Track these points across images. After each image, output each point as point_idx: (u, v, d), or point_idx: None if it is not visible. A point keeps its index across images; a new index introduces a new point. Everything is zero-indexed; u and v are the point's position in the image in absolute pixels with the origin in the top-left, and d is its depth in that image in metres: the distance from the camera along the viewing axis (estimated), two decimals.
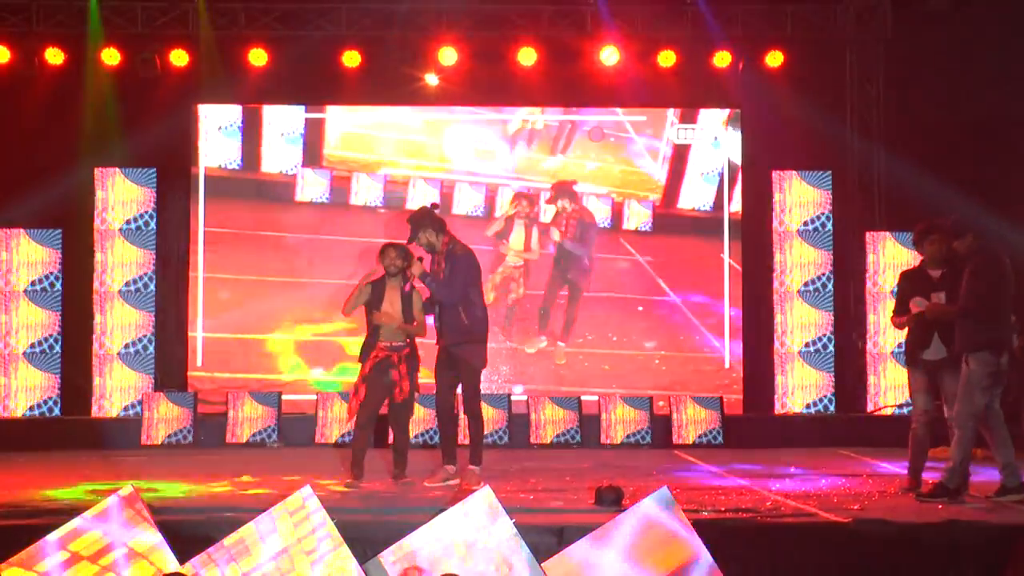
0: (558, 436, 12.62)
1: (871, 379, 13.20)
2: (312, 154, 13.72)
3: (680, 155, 13.93)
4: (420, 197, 13.41)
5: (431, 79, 13.79)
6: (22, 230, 13.02)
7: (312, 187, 13.68)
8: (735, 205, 13.86)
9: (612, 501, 7.60)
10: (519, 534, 6.00)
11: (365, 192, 13.73)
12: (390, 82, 13.75)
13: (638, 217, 13.90)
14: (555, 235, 13.73)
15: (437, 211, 9.12)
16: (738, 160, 13.83)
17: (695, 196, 13.90)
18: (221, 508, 7.45)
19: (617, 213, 13.91)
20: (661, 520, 6.06)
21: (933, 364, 8.50)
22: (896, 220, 13.38)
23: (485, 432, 11.45)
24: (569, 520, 6.93)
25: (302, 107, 13.76)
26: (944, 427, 8.47)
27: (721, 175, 13.86)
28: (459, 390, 9.08)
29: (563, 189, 13.76)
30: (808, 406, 13.21)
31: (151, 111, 13.42)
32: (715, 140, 13.88)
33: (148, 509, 6.12)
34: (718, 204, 13.88)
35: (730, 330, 13.69)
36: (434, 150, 13.82)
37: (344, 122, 13.79)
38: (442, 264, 8.97)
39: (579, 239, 13.77)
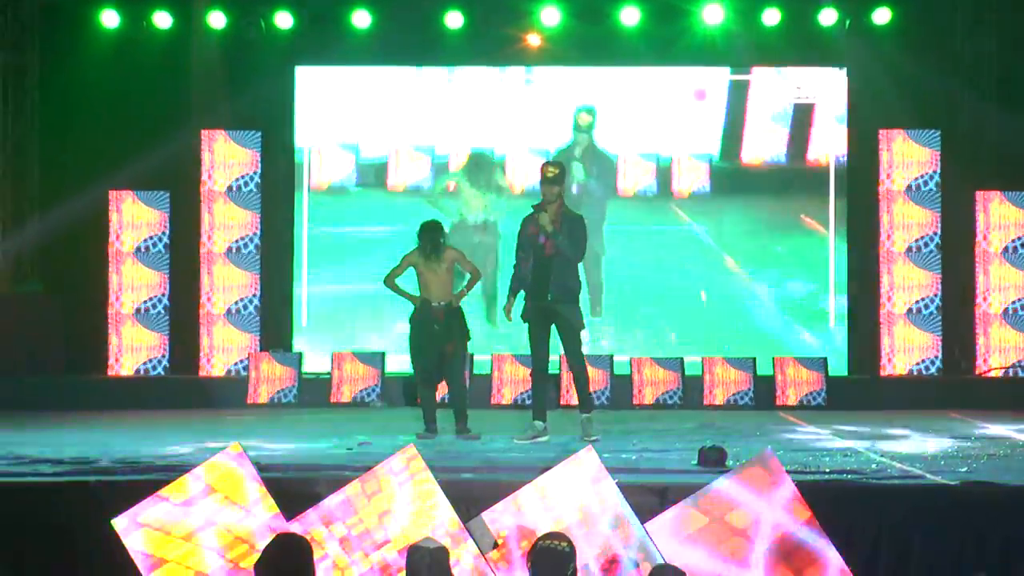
0: (660, 397, 12.58)
1: (980, 340, 12.98)
2: None
3: (740, 98, 13.70)
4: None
5: (533, 39, 13.74)
6: (130, 192, 13.25)
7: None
8: (816, 150, 13.61)
9: (715, 461, 7.57)
10: (622, 494, 6.00)
11: None
12: (492, 43, 13.73)
13: (693, 176, 13.68)
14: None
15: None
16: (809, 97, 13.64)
17: (763, 145, 13.64)
18: (325, 467, 7.54)
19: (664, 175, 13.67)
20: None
21: None
22: (1008, 179, 13.09)
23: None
24: (672, 480, 6.91)
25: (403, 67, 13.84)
26: None
27: (795, 116, 13.62)
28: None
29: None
30: (914, 368, 13.02)
31: (256, 73, 13.56)
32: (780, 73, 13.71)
33: (255, 466, 6.21)
34: (793, 153, 13.62)
35: (834, 290, 13.53)
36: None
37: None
38: (557, 220, 9.10)
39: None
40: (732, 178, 13.76)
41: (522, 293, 9.20)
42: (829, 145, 13.67)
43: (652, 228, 13.72)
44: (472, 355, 12.20)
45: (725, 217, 13.78)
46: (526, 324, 9.26)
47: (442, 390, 9.98)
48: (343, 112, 13.79)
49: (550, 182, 9.15)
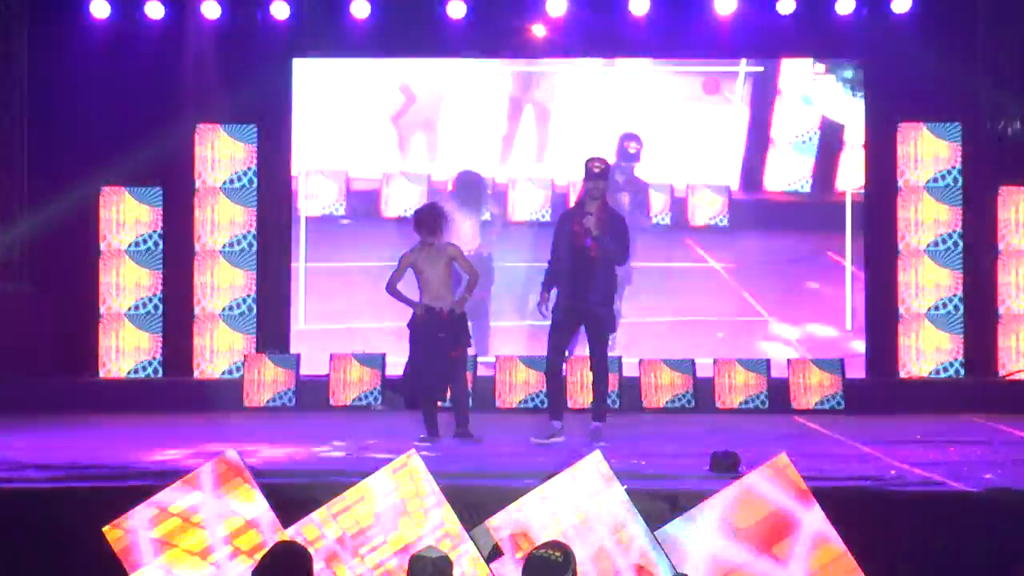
0: (671, 400, 12.58)
1: (1002, 342, 12.95)
2: None
3: (760, 119, 13.54)
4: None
5: (539, 30, 13.72)
6: (123, 188, 13.26)
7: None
8: (845, 180, 13.44)
9: (728, 467, 7.56)
10: (630, 500, 5.99)
11: None
12: (495, 34, 13.71)
13: (709, 208, 13.56)
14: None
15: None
16: (837, 118, 13.48)
17: (786, 172, 13.53)
18: (324, 472, 7.55)
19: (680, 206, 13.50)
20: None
21: None
22: None
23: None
24: (683, 487, 6.91)
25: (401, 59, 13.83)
26: None
27: (822, 141, 13.52)
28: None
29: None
30: (936, 370, 12.99)
31: (252, 65, 13.54)
32: (805, 96, 13.56)
33: (252, 472, 6.21)
34: (821, 180, 13.48)
35: (852, 289, 13.49)
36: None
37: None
38: (600, 220, 9.21)
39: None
40: (752, 209, 13.62)
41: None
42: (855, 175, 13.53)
43: (665, 262, 13.52)
44: (475, 357, 12.24)
45: (743, 251, 13.60)
46: (551, 319, 9.43)
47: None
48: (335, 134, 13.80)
49: (596, 177, 9.26)
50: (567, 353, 9.59)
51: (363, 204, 13.78)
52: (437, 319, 9.46)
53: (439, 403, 9.78)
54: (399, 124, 13.76)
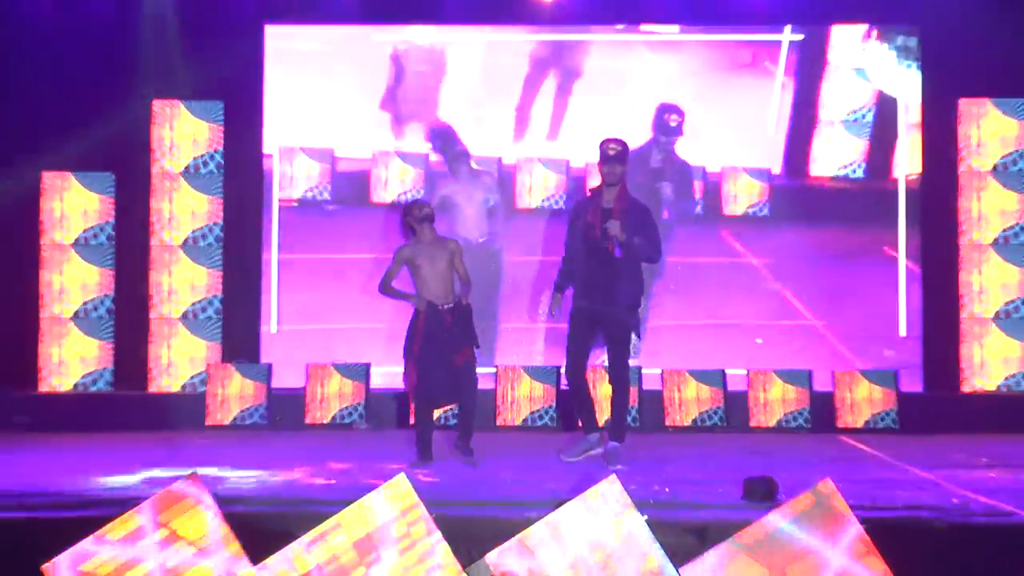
0: (699, 417, 12.56)
1: None
2: None
3: (806, 94, 13.55)
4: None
5: None
6: (71, 174, 13.25)
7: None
8: (903, 165, 13.43)
9: (764, 495, 7.54)
10: (652, 533, 5.97)
11: None
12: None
13: (747, 195, 13.57)
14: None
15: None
16: (895, 93, 13.47)
17: (835, 155, 13.52)
18: (300, 500, 7.55)
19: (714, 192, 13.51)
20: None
21: None
22: None
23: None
24: (712, 517, 6.89)
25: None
26: None
27: (877, 120, 13.53)
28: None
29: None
30: (1004, 383, 12.97)
31: (218, 33, 13.52)
32: (858, 68, 13.55)
33: (215, 500, 6.19)
34: (876, 165, 13.46)
35: (907, 290, 13.47)
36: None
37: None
38: (617, 210, 9.27)
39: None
40: (796, 196, 13.58)
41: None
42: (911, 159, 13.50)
43: (695, 256, 13.50)
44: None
45: (785, 244, 13.58)
46: (569, 324, 9.54)
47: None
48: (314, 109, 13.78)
49: (612, 160, 9.31)
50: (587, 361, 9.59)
51: (351, 188, 13.75)
52: (441, 316, 9.47)
53: (435, 420, 9.81)
54: (394, 98, 13.72)
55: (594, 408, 9.70)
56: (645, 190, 12.46)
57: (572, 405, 9.99)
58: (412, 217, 9.73)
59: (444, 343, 9.50)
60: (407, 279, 9.82)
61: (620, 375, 9.51)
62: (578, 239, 9.42)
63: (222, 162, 13.29)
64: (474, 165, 13.52)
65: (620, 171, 9.34)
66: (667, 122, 13.46)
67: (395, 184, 13.57)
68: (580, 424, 9.86)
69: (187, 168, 13.25)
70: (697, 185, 13.47)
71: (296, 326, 13.61)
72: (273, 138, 13.69)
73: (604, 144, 9.37)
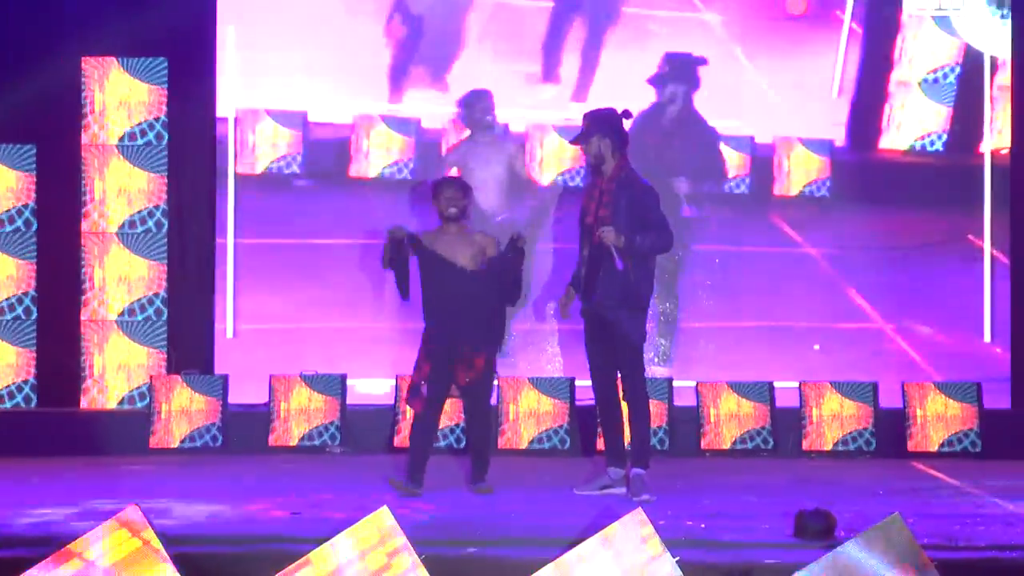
0: (741, 439, 12.59)
1: None
2: None
3: (877, 48, 13.48)
4: None
5: None
6: None
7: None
8: (992, 137, 13.34)
9: (819, 532, 7.57)
10: None
11: None
12: None
13: (804, 171, 13.54)
14: None
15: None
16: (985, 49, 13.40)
17: (911, 124, 13.49)
18: (262, 538, 7.57)
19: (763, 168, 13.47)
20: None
21: None
22: None
23: None
24: (757, 558, 6.92)
25: None
26: None
27: (962, 81, 13.42)
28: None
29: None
30: None
31: None
32: (941, 18, 13.47)
33: (160, 539, 6.22)
34: (960, 138, 13.41)
35: (993, 287, 13.47)
36: None
37: None
38: (607, 193, 9.39)
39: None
40: (863, 173, 13.56)
41: None
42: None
43: (739, 246, 13.49)
44: None
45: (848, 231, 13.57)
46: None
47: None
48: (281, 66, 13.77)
49: (578, 140, 9.54)
50: (614, 372, 9.65)
51: (327, 159, 13.73)
52: None
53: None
54: (398, 48, 13.71)
55: (621, 435, 9.73)
56: (656, 164, 12.63)
57: (600, 425, 10.11)
58: (439, 204, 9.77)
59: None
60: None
61: (634, 390, 9.59)
62: (581, 227, 9.58)
63: (164, 132, 13.29)
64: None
65: (595, 150, 9.47)
66: (674, 73, 13.41)
67: (379, 155, 13.58)
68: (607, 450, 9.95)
69: (123, 139, 13.26)
70: (731, 159, 13.45)
71: (257, 325, 13.62)
72: (229, 100, 13.67)
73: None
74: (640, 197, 9.46)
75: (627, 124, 9.64)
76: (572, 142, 9.71)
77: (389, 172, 13.39)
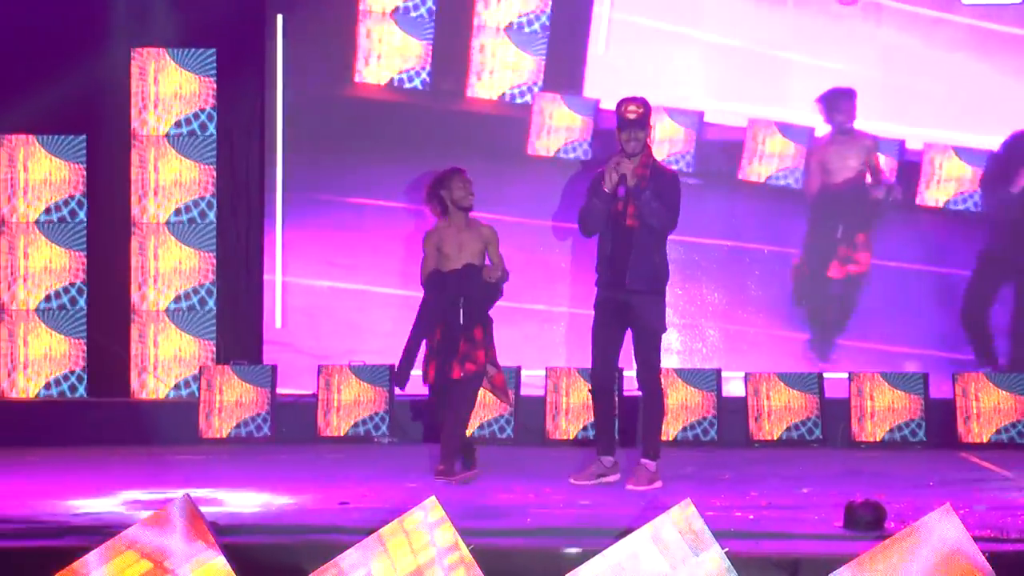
0: (789, 429, 12.56)
1: None
2: None
3: None
4: None
5: None
6: (33, 138, 13.34)
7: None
8: None
9: (869, 523, 7.54)
10: (733, 569, 5.99)
11: None
12: None
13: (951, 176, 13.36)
14: None
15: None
16: None
17: None
18: (311, 528, 7.59)
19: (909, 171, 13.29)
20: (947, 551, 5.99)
21: None
22: None
23: (686, 423, 11.61)
24: (807, 549, 6.90)
25: None
26: None
27: None
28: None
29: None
30: None
31: None
32: None
33: (210, 529, 6.23)
34: None
35: None
36: None
37: None
38: (643, 179, 9.37)
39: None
40: None
41: None
42: None
43: None
44: (519, 368, 12.28)
45: None
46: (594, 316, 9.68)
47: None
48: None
49: (631, 126, 9.36)
50: (616, 361, 9.67)
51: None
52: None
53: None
54: None
55: (613, 424, 9.79)
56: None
57: (593, 412, 9.99)
58: (450, 195, 9.79)
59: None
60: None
61: (651, 380, 9.63)
62: (599, 216, 9.53)
63: (213, 123, 13.30)
64: None
65: (642, 137, 9.43)
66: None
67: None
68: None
69: (174, 130, 13.29)
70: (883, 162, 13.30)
71: (305, 315, 13.63)
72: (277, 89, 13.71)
73: (622, 106, 9.43)
74: (672, 182, 9.51)
75: None
76: (633, 123, 9.34)
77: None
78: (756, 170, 13.16)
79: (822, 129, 13.20)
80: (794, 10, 13.32)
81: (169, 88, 13.36)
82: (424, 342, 9.95)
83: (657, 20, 13.33)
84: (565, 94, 13.34)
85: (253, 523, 7.87)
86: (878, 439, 12.48)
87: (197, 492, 8.79)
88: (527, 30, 13.34)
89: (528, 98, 13.35)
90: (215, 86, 13.39)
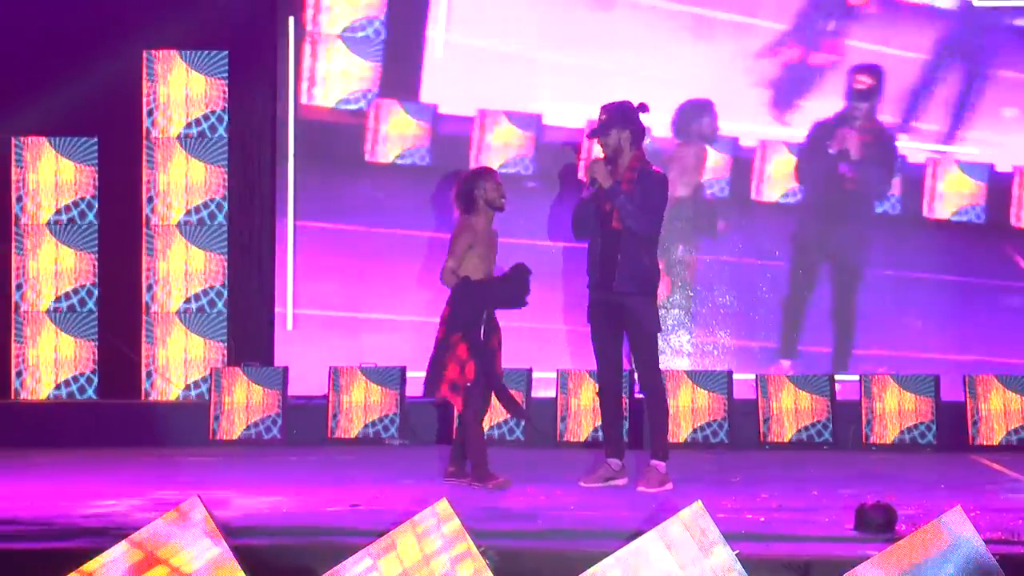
0: (800, 431, 12.55)
1: None
2: None
3: None
4: None
5: None
6: (44, 139, 13.35)
7: None
8: None
9: (880, 525, 7.53)
10: (744, 572, 5.98)
11: None
12: None
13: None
14: None
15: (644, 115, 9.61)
16: None
17: None
18: (322, 530, 7.60)
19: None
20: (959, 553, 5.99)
21: None
22: None
23: (696, 425, 11.61)
24: (818, 552, 6.90)
25: None
26: None
27: None
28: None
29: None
30: None
31: None
32: None
33: (221, 530, 6.24)
34: None
35: None
36: None
37: None
38: (626, 183, 9.42)
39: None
40: None
41: None
42: None
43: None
44: (530, 370, 12.29)
45: None
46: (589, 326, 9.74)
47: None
48: None
49: (594, 133, 9.59)
50: (620, 363, 9.70)
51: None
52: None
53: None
54: None
55: (621, 428, 9.87)
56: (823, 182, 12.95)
57: (601, 416, 10.07)
58: (484, 194, 9.77)
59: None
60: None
61: (651, 381, 9.67)
62: (585, 219, 9.58)
63: (225, 125, 13.32)
64: None
65: (611, 142, 9.48)
66: (857, 86, 13.30)
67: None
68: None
69: (184, 132, 13.31)
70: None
71: (317, 315, 13.65)
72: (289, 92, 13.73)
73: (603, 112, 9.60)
74: (651, 183, 9.48)
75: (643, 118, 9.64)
76: (590, 136, 9.76)
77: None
78: None
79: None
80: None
81: (180, 90, 13.38)
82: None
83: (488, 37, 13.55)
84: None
85: (264, 525, 7.87)
86: (889, 441, 12.47)
87: (208, 494, 8.81)
88: (359, 35, 13.42)
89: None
90: (226, 88, 13.39)
